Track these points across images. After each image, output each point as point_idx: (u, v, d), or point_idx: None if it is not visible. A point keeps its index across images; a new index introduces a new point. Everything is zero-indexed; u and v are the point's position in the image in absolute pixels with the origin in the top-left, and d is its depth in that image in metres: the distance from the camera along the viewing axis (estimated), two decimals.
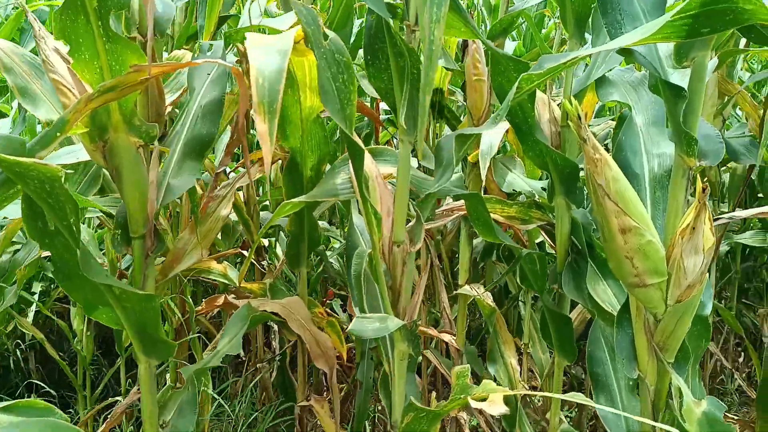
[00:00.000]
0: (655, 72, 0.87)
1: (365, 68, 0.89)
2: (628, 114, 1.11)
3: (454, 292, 1.66)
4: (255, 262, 2.04)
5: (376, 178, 0.97)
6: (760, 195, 2.34)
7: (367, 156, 0.97)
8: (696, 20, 0.78)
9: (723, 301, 3.30)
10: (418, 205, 0.95)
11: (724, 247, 2.81)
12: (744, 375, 2.98)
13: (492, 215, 1.30)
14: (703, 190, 0.78)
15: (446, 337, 1.67)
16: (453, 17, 1.02)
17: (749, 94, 2.12)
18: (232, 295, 1.52)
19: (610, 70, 1.26)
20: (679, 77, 1.28)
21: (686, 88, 0.84)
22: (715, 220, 1.60)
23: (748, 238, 2.51)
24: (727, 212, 2.32)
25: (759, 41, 1.66)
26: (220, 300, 1.46)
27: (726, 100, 1.90)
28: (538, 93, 1.25)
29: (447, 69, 1.62)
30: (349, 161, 0.99)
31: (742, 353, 2.94)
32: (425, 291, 1.99)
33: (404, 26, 0.86)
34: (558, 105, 1.27)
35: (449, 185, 1.09)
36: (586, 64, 1.41)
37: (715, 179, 2.07)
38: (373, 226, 0.84)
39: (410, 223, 0.98)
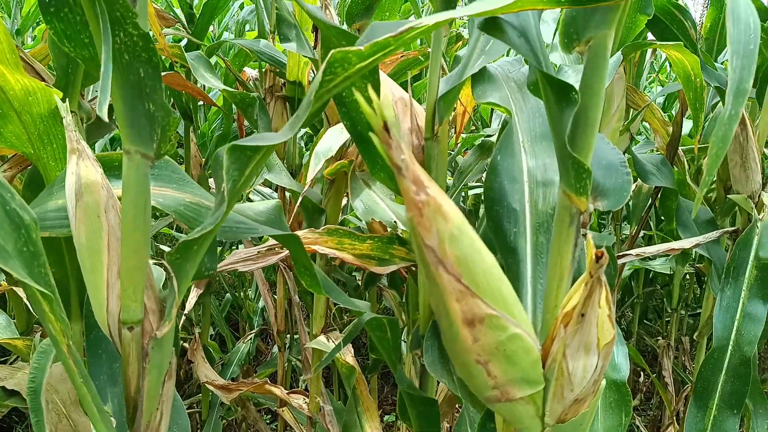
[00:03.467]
0: (533, 60, 0.56)
1: (44, 18, 0.52)
2: (509, 124, 0.80)
3: (305, 345, 1.31)
4: None
5: (105, 211, 0.59)
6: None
7: (91, 167, 0.59)
8: None
9: (621, 326, 3.18)
10: (168, 259, 0.59)
11: (626, 272, 2.67)
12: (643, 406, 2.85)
13: (339, 254, 0.96)
14: (598, 258, 0.47)
15: (297, 400, 1.31)
16: None
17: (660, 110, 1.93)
18: None
19: (495, 61, 0.96)
20: (575, 75, 0.98)
21: (577, 88, 0.54)
22: (620, 257, 1.36)
23: (658, 265, 2.35)
24: (629, 235, 2.13)
25: (663, 37, 1.44)
26: None
27: (633, 114, 1.68)
28: (398, 92, 0.92)
29: (306, 57, 1.27)
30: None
31: (641, 373, 2.79)
32: (285, 334, 1.63)
33: None
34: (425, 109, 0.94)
35: (249, 220, 0.73)
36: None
37: None
38: (41, 304, 0.47)
39: (167, 290, 0.61)
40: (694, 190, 1.70)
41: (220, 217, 0.57)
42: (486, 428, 0.65)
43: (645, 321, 3.21)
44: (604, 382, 0.56)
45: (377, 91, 0.73)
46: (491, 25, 0.58)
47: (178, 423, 0.72)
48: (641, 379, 2.84)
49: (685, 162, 1.74)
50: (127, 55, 0.49)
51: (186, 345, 1.80)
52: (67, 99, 0.70)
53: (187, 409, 2.04)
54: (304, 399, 1.31)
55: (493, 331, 0.49)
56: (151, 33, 1.22)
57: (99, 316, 0.59)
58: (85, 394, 0.53)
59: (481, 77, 0.86)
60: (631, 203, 1.86)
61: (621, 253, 1.27)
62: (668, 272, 2.30)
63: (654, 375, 2.28)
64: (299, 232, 0.94)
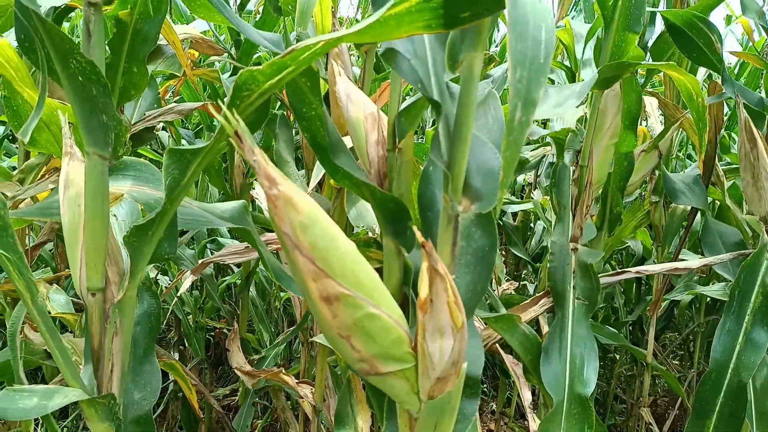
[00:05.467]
0: (419, 87, 0.64)
1: (22, 51, 0.68)
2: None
3: (310, 339, 1.42)
4: None
5: (84, 202, 0.74)
6: None
7: (78, 167, 0.75)
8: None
9: (682, 358, 2.99)
10: (125, 240, 0.73)
11: (686, 297, 2.53)
12: None
13: None
14: (425, 246, 0.54)
15: (304, 390, 1.43)
16: None
17: None
18: None
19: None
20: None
21: (445, 105, 0.61)
22: (618, 273, 1.35)
23: (716, 291, 2.22)
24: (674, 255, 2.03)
25: (689, 50, 1.41)
26: None
27: (665, 129, 1.64)
28: (370, 108, 1.02)
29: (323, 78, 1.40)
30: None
31: None
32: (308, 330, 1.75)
33: None
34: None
35: (211, 215, 0.86)
36: None
37: (659, 223, 1.80)
38: (6, 265, 0.62)
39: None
40: (734, 210, 1.62)
41: (160, 208, 0.70)
42: (393, 410, 0.73)
43: None
44: (465, 365, 0.62)
45: (326, 103, 0.84)
46: (389, 53, 0.66)
47: (151, 383, 0.86)
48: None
49: (725, 181, 1.66)
50: (80, 77, 0.64)
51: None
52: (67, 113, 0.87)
53: (230, 395, 2.23)
54: (311, 389, 1.43)
55: (349, 309, 0.57)
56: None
57: (75, 283, 0.74)
58: (48, 340, 0.67)
59: None
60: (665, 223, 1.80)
61: (619, 270, 1.27)
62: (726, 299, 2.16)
63: None
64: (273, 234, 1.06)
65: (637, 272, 1.26)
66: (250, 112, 0.71)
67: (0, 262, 0.61)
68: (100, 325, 0.73)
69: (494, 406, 3.01)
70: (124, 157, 0.86)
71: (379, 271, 1.12)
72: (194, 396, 1.50)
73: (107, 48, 1.14)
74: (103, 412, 0.72)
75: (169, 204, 0.72)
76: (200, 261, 1.08)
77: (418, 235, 0.54)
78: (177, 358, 2.32)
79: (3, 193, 1.34)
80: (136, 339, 0.89)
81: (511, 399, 2.78)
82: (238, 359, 1.70)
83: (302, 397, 1.62)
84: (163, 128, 2.44)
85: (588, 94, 1.29)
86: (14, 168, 1.54)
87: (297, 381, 1.45)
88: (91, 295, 0.72)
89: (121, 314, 0.73)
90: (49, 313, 1.38)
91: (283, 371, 1.50)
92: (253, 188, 2.06)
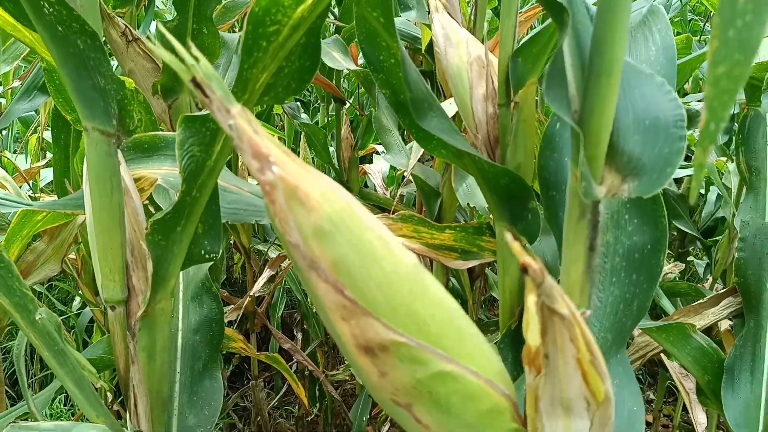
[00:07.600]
0: None
1: None
2: None
3: None
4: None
5: (128, 188, 0.60)
6: None
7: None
8: None
9: None
10: (148, 239, 0.57)
11: None
12: None
13: (411, 244, 0.85)
14: (526, 269, 0.29)
15: None
16: None
17: None
18: None
19: None
20: None
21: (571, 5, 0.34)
22: None
23: None
24: None
25: None
26: None
27: None
28: (476, 51, 0.76)
29: (422, 22, 1.16)
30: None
31: None
32: None
33: None
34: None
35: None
36: None
37: None
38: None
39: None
40: None
41: (177, 199, 0.53)
42: None
43: None
44: None
45: (394, 36, 0.60)
46: None
47: (210, 404, 0.72)
48: None
49: None
50: (60, 26, 0.47)
51: None
52: None
53: (353, 379, 2.12)
54: None
55: (405, 364, 0.35)
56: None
57: (101, 294, 0.61)
58: (56, 366, 0.54)
59: None
60: None
61: None
62: None
63: None
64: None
65: None
66: (289, 58, 0.50)
67: None
68: (124, 345, 0.58)
69: (651, 395, 2.59)
70: (166, 132, 0.70)
71: (493, 265, 0.87)
72: (302, 391, 1.39)
73: (172, 8, 1.00)
74: None
75: (196, 191, 0.54)
76: (278, 254, 0.93)
77: (515, 248, 0.30)
78: (301, 338, 2.27)
79: None
80: (195, 350, 0.76)
81: (673, 390, 2.37)
82: None
83: None
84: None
85: None
86: None
87: None
88: (110, 309, 0.57)
89: (147, 334, 0.58)
90: None
91: None
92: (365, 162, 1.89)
